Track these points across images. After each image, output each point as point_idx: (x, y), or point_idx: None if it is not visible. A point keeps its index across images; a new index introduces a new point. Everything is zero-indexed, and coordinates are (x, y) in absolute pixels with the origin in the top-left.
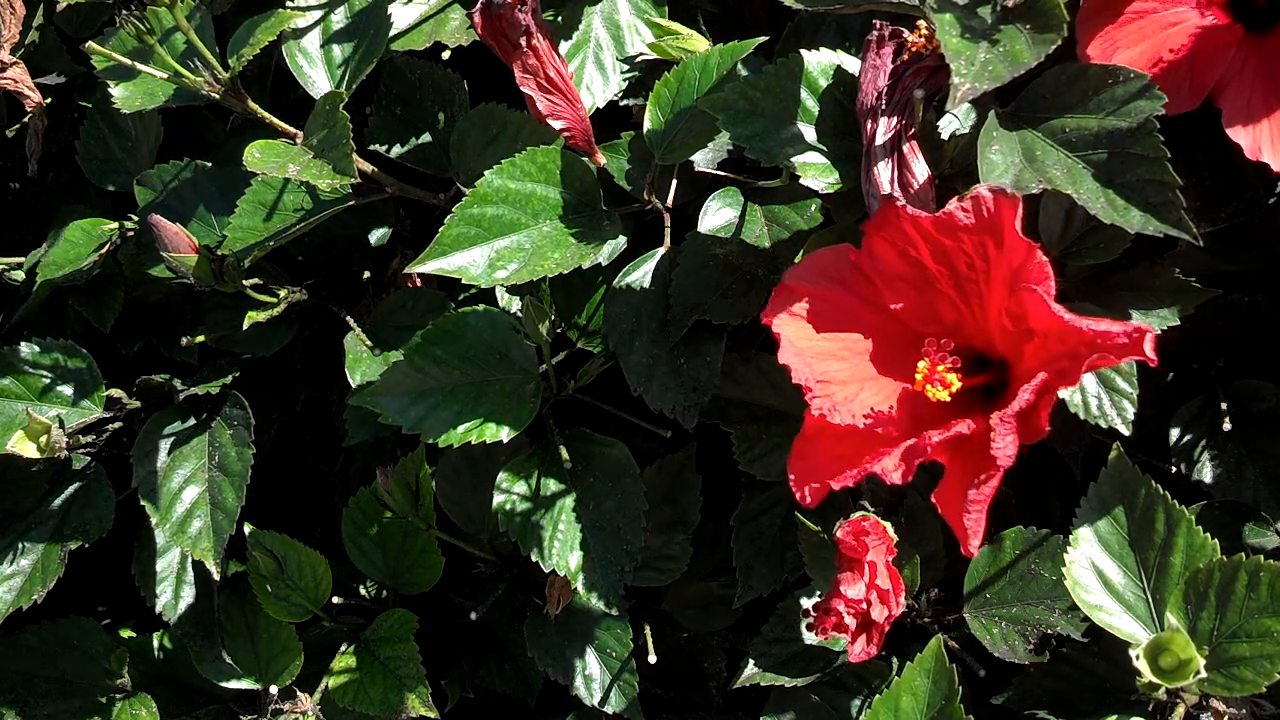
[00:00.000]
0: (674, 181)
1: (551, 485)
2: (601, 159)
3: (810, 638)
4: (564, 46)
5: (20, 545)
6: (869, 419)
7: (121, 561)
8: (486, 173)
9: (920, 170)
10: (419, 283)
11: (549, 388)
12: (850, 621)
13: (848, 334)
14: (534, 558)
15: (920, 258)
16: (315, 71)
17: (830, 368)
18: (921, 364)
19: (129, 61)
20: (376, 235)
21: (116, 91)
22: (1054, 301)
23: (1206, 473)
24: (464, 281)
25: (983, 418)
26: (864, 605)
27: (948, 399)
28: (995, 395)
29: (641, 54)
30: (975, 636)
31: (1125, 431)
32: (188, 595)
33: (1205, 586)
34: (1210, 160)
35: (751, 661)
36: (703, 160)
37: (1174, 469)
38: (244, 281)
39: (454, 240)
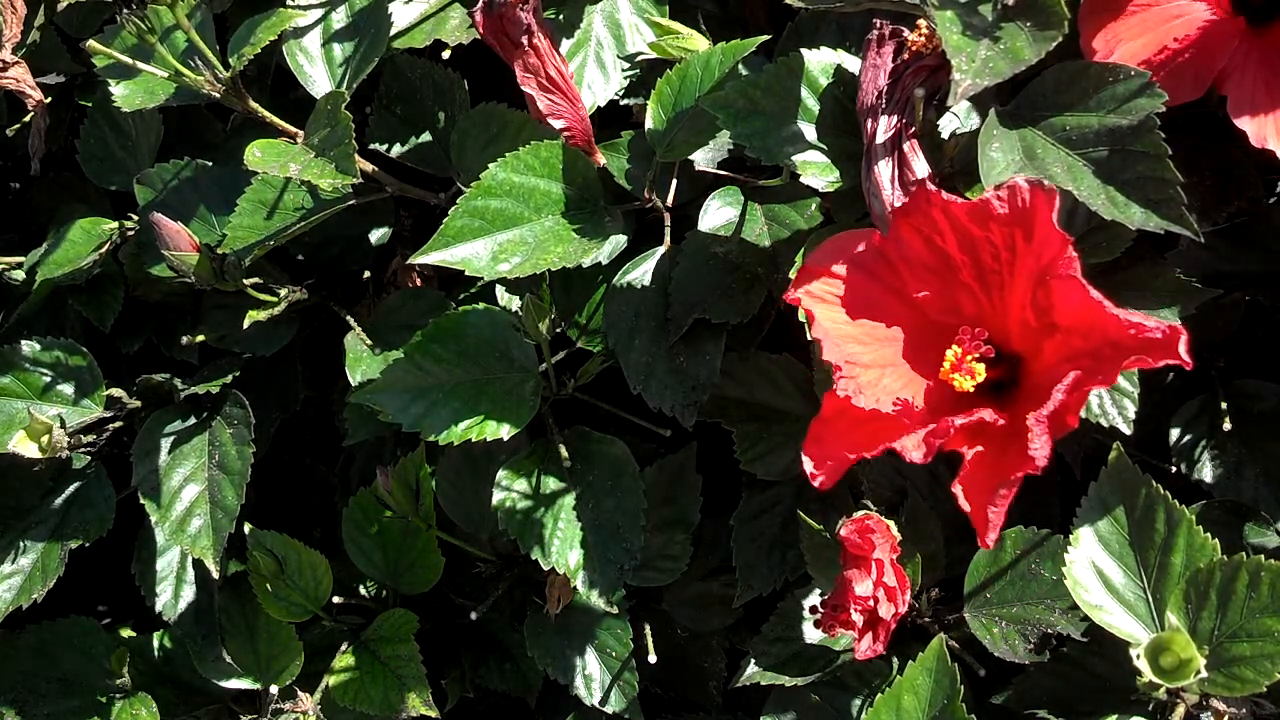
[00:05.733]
0: (674, 180)
1: (551, 483)
2: (601, 159)
3: (813, 636)
4: (565, 45)
5: (20, 544)
6: (897, 405)
7: (121, 561)
8: (491, 165)
9: (920, 169)
10: (419, 282)
11: (549, 386)
12: (858, 619)
13: (869, 320)
14: (534, 555)
15: (945, 246)
16: (316, 70)
17: (854, 350)
18: (950, 352)
19: (129, 60)
20: (376, 235)
21: (117, 90)
22: (1093, 289)
23: (1206, 473)
24: (468, 273)
25: (999, 411)
26: (871, 602)
27: (971, 389)
28: (1005, 391)
29: (642, 53)
30: (976, 636)
31: (1126, 431)
32: (188, 595)
33: (1206, 586)
34: (1211, 160)
35: (752, 661)
36: (703, 159)
37: (1174, 469)
38: (244, 280)
39: (458, 232)
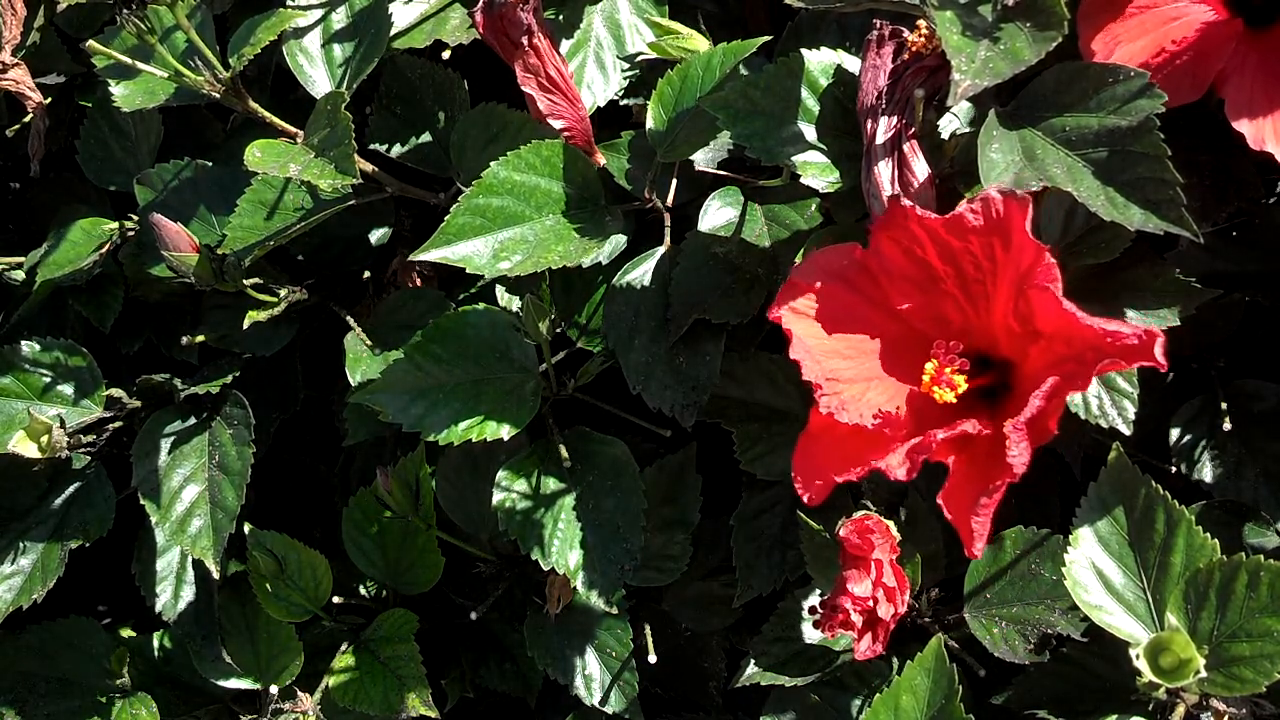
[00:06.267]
0: (674, 180)
1: (551, 483)
2: (601, 159)
3: (812, 636)
4: (565, 45)
5: (20, 544)
6: (878, 419)
7: (121, 561)
8: (492, 164)
9: (920, 169)
10: (419, 282)
11: (549, 386)
12: (857, 619)
13: (853, 333)
14: (534, 556)
15: (926, 258)
16: (316, 71)
17: (837, 366)
18: (929, 366)
19: (129, 60)
20: (376, 235)
21: (117, 90)
22: (1066, 300)
23: (1206, 473)
24: (468, 271)
25: (986, 418)
26: (871, 603)
27: (954, 400)
28: (998, 396)
29: (642, 53)
30: (975, 636)
31: (1126, 431)
32: (188, 595)
33: (1205, 586)
34: (1210, 160)
35: (751, 661)
36: (703, 159)
37: (1174, 469)
38: (244, 281)
39: (459, 229)
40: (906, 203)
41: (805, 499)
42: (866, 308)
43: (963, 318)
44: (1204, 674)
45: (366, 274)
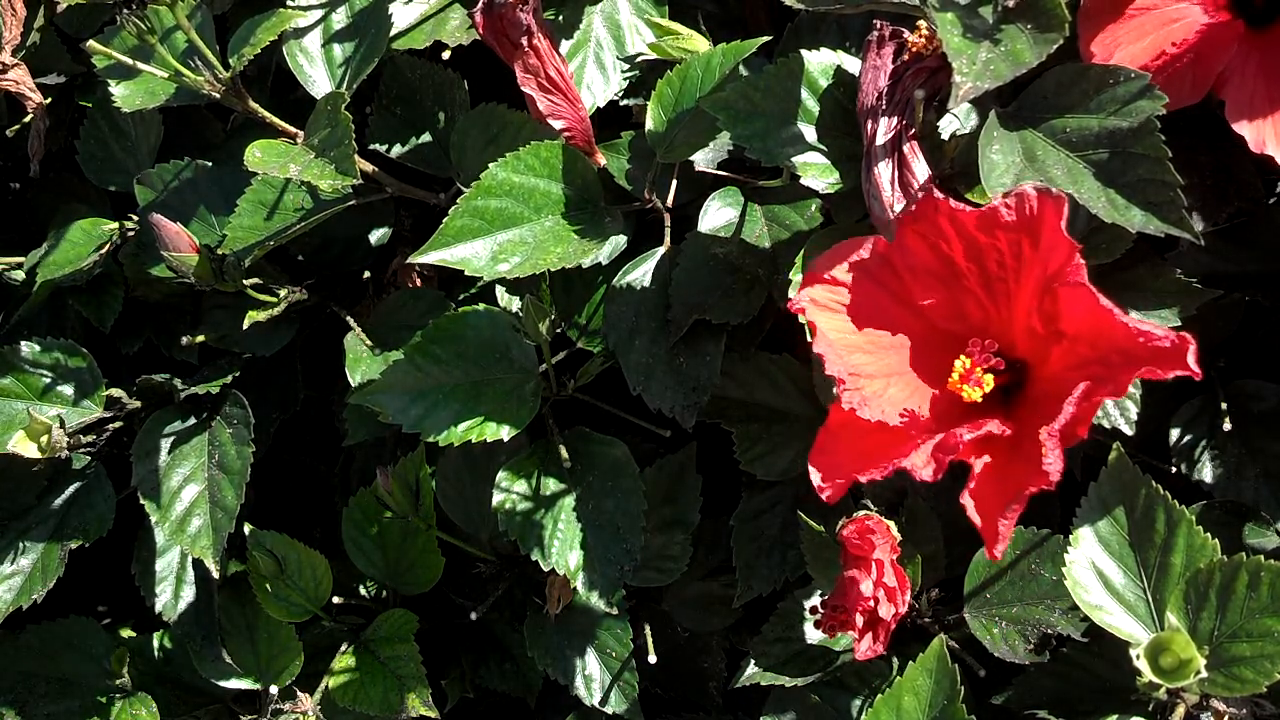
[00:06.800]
0: (674, 181)
1: (551, 484)
2: (601, 159)
3: (813, 636)
4: (564, 46)
5: (20, 544)
6: (903, 416)
7: (121, 561)
8: (491, 165)
9: (920, 170)
10: (419, 282)
11: (549, 387)
12: (858, 619)
13: (875, 328)
14: (534, 556)
15: (951, 253)
16: (316, 71)
17: (859, 360)
18: (959, 363)
19: (129, 60)
20: (376, 235)
21: (117, 90)
22: (1103, 297)
23: (1206, 473)
24: (467, 273)
25: (1001, 418)
26: (871, 603)
27: (980, 399)
28: (1010, 396)
29: (642, 54)
30: (976, 636)
31: (1128, 431)
32: (188, 595)
33: (1205, 586)
34: (1211, 161)
35: (752, 661)
36: (703, 160)
37: (1174, 469)
38: (244, 281)
39: (458, 231)
40: (939, 195)
41: (824, 496)
42: (889, 302)
43: (983, 316)
44: (1204, 674)
45: (366, 274)
